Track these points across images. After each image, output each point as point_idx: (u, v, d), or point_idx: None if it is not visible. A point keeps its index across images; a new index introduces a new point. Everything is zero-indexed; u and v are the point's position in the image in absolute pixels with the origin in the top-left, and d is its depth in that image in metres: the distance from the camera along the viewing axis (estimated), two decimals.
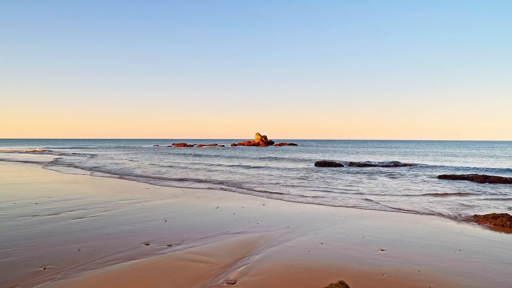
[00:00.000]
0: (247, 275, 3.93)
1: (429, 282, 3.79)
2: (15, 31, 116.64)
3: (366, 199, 9.75)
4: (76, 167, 20.49)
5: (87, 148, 58.45)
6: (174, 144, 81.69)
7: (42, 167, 19.62)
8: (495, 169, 20.45)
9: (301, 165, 23.01)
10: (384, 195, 10.57)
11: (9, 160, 25.57)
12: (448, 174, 16.11)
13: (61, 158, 29.77)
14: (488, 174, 15.59)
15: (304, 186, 12.53)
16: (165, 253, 4.67)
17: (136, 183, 12.99)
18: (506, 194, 10.75)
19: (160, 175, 15.88)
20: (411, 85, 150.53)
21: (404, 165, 21.38)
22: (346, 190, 11.61)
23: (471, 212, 7.94)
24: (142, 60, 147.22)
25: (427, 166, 21.35)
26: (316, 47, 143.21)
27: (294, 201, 9.39)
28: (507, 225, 6.53)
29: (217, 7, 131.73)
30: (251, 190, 11.49)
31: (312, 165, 23.04)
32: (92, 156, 33.21)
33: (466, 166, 22.64)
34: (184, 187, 11.96)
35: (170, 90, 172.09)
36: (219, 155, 35.20)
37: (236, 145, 78.51)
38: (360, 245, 5.19)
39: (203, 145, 72.75)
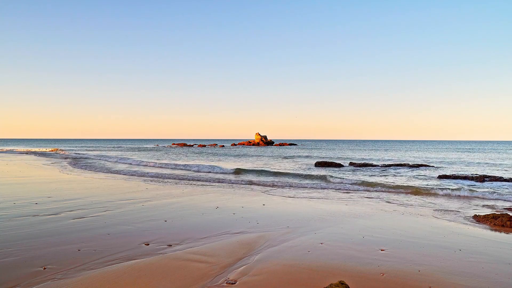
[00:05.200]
0: (247, 275, 3.93)
1: (429, 282, 3.79)
2: (15, 31, 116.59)
3: (367, 199, 9.75)
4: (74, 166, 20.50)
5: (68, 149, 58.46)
6: (174, 144, 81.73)
7: (42, 167, 19.62)
8: (494, 168, 20.45)
9: (301, 165, 23.01)
10: (384, 195, 10.57)
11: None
12: (448, 174, 16.11)
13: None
14: (487, 174, 15.60)
15: (304, 186, 12.53)
16: (165, 253, 4.67)
17: (136, 183, 12.99)
18: (505, 194, 10.74)
19: None
20: (411, 85, 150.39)
21: (404, 165, 21.39)
22: (346, 190, 11.61)
23: (471, 212, 7.94)
24: (142, 60, 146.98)
25: (427, 166, 21.35)
26: (316, 47, 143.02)
27: (294, 201, 9.39)
28: (507, 225, 6.53)
29: (217, 7, 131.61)
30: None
31: (312, 165, 23.04)
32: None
33: (466, 166, 22.64)
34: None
35: (170, 90, 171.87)
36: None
37: (236, 145, 78.53)
38: (360, 245, 5.19)
39: (203, 145, 72.78)
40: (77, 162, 24.92)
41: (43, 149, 49.50)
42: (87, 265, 4.12)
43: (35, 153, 39.71)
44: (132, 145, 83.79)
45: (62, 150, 48.03)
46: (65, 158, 29.11)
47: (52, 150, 46.45)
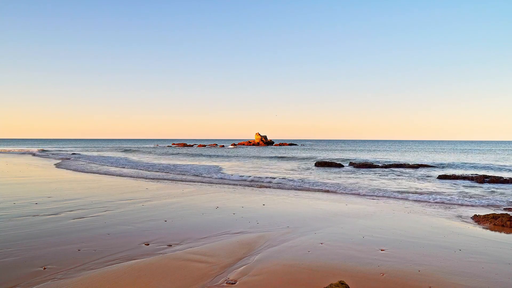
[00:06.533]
0: (247, 275, 3.93)
1: (429, 282, 3.79)
2: (15, 31, 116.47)
3: (367, 199, 9.75)
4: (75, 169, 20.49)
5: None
6: (174, 144, 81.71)
7: (43, 167, 19.62)
8: (494, 169, 20.46)
9: (301, 165, 23.02)
10: (384, 195, 10.57)
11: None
12: (448, 174, 16.11)
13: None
14: (487, 174, 15.59)
15: (303, 188, 12.53)
16: (165, 253, 4.67)
17: (136, 183, 12.99)
18: (505, 194, 10.75)
19: None
20: (411, 85, 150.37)
21: (404, 165, 21.39)
22: (346, 190, 11.61)
23: (471, 212, 7.94)
24: (142, 60, 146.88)
25: (427, 166, 21.35)
26: (317, 47, 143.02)
27: (294, 201, 9.38)
28: (507, 225, 6.53)
29: (217, 7, 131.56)
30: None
31: (312, 165, 23.05)
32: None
33: (466, 166, 22.64)
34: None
35: (170, 90, 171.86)
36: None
37: (236, 145, 78.52)
38: (360, 245, 5.19)
39: (203, 145, 72.77)
40: (64, 164, 24.91)
41: (16, 149, 49.27)
42: (87, 265, 4.12)
43: (13, 153, 39.70)
44: (132, 145, 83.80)
45: (45, 149, 47.74)
46: (55, 159, 29.08)
47: (39, 150, 46.06)
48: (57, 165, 21.49)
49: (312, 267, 4.20)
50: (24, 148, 55.45)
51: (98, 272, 3.92)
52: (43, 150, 45.63)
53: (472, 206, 8.86)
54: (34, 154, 36.48)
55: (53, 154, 36.72)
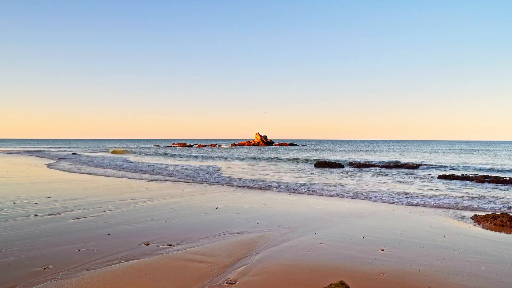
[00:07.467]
0: (247, 275, 3.93)
1: (429, 282, 3.79)
2: (15, 31, 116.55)
3: (367, 200, 9.75)
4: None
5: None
6: (174, 144, 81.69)
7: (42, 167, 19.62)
8: (495, 169, 20.45)
9: (301, 166, 23.03)
10: (384, 195, 10.57)
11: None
12: (448, 174, 16.10)
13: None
14: (487, 174, 15.59)
15: (303, 188, 12.53)
16: (165, 253, 4.67)
17: (136, 183, 12.98)
18: (505, 195, 10.75)
19: None
20: (411, 85, 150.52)
21: (404, 165, 21.39)
22: (346, 191, 11.61)
23: (471, 212, 7.94)
24: (142, 60, 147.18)
25: (427, 166, 21.36)
26: (316, 47, 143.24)
27: (294, 201, 9.38)
28: (507, 225, 6.53)
29: (217, 7, 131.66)
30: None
31: (312, 165, 23.05)
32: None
33: (466, 166, 22.64)
34: None
35: (170, 90, 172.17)
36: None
37: (236, 145, 78.53)
38: (360, 245, 5.19)
39: (203, 145, 72.75)
40: (63, 164, 24.91)
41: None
42: (87, 265, 4.12)
43: None
44: (132, 145, 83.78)
45: (41, 150, 47.40)
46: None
47: (26, 151, 45.12)
48: (57, 166, 21.49)
49: (312, 267, 4.20)
50: (12, 148, 55.07)
51: (98, 272, 3.92)
52: (38, 151, 45.25)
53: (472, 206, 8.85)
54: (31, 154, 36.45)
55: (49, 154, 36.71)
